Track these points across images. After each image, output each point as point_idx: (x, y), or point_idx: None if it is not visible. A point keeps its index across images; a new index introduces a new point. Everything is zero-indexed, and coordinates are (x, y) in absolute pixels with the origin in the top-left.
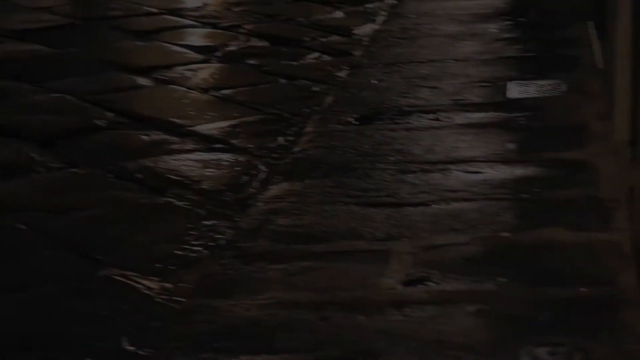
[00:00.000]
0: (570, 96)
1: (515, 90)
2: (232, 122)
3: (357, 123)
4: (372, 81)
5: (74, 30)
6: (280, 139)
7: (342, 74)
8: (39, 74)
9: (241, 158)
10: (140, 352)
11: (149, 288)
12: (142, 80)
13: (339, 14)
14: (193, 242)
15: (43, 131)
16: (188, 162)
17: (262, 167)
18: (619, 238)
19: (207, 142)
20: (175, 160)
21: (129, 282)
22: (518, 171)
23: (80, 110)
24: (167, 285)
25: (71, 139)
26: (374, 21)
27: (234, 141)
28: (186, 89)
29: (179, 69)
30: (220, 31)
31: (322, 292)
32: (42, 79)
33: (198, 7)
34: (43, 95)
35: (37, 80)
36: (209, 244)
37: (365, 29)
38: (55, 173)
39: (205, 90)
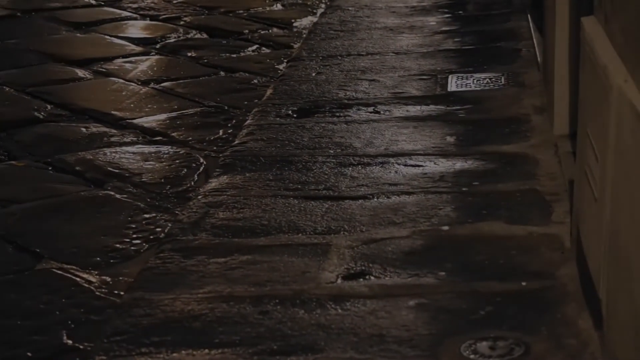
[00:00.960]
0: (509, 89)
1: (454, 84)
2: (172, 114)
3: (296, 116)
4: (312, 74)
5: (12, 22)
6: (220, 132)
7: (282, 66)
8: None
9: (181, 151)
10: (79, 346)
11: (88, 281)
12: (81, 72)
13: (278, 6)
14: (133, 236)
15: None
16: (128, 154)
17: (202, 160)
18: (559, 232)
19: (146, 135)
20: (114, 152)
21: (67, 275)
22: (458, 164)
23: (19, 102)
24: (107, 278)
25: (9, 131)
26: (313, 14)
27: (173, 134)
28: (125, 82)
29: (119, 61)
30: (159, 23)
31: (262, 286)
32: None
33: None
34: None
35: None
36: (149, 237)
37: (304, 22)
38: None
39: (144, 83)
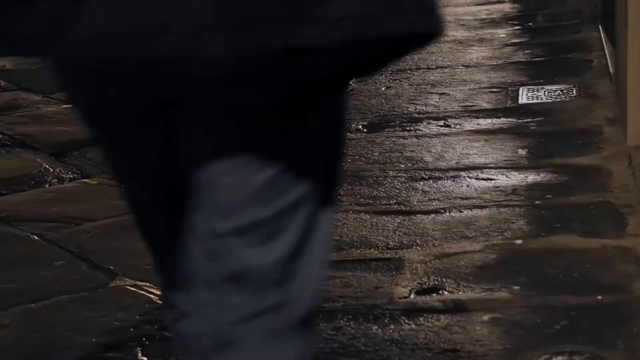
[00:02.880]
0: (581, 101)
1: (525, 96)
2: None
3: (366, 130)
4: (381, 88)
5: None
6: None
7: (351, 81)
8: (49, 85)
9: None
10: None
11: None
12: None
13: None
14: None
15: (54, 142)
16: None
17: None
18: (634, 244)
19: None
20: None
21: (141, 292)
22: (530, 177)
23: None
24: None
25: (82, 149)
26: None
27: None
28: None
29: None
30: None
31: (335, 302)
32: (53, 89)
33: None
34: (54, 105)
35: (48, 91)
36: None
37: None
38: (67, 184)
39: None
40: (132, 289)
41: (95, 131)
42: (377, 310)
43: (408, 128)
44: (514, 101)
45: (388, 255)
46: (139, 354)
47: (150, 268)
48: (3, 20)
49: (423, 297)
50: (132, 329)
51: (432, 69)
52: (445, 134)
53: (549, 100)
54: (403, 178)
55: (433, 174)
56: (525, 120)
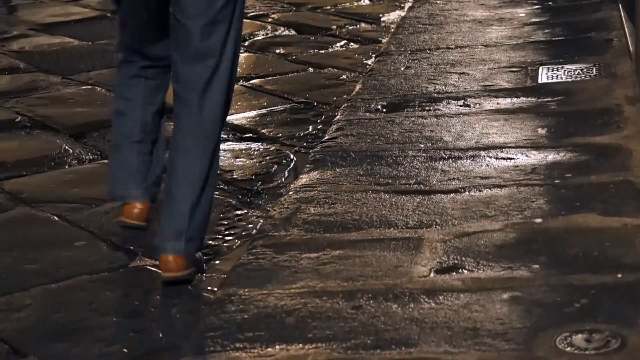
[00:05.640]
0: (601, 80)
1: (545, 75)
2: (261, 111)
3: (385, 110)
4: (401, 68)
5: (102, 23)
6: (310, 128)
7: (370, 61)
8: (69, 67)
9: (271, 147)
10: (174, 343)
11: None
12: None
13: (365, 1)
14: (225, 232)
15: (73, 123)
16: None
17: (292, 156)
18: None
19: (237, 132)
20: None
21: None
22: (550, 156)
23: (110, 102)
24: (200, 275)
25: (101, 130)
26: (401, 8)
27: (263, 130)
28: None
29: None
30: (247, 21)
31: (354, 281)
32: (72, 71)
33: None
34: (73, 87)
35: (67, 72)
36: (241, 233)
37: (392, 16)
38: (87, 165)
39: None
40: (153, 269)
41: None
42: (397, 290)
43: (427, 108)
44: (534, 80)
45: (408, 235)
46: (160, 335)
47: None
48: None
49: (443, 276)
50: (152, 309)
51: (452, 48)
52: (464, 114)
53: (569, 80)
54: (422, 158)
55: (452, 153)
56: (545, 99)
